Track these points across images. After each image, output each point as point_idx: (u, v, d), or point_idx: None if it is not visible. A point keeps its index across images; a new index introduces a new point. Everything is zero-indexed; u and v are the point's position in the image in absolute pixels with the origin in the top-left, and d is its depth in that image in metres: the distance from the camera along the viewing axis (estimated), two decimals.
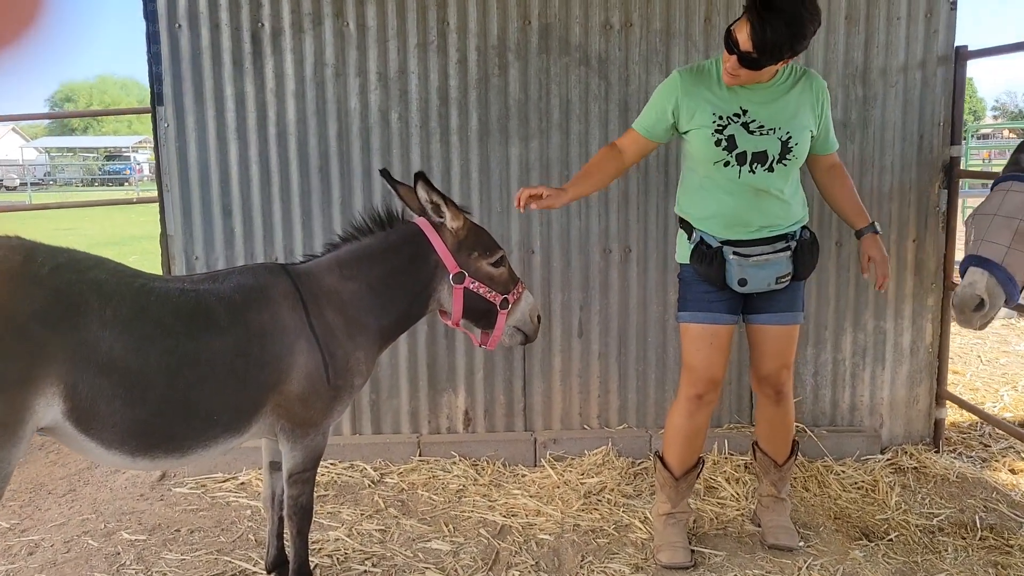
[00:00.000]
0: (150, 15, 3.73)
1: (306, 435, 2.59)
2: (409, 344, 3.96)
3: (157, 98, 3.80)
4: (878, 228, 3.07)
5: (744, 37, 2.63)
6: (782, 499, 3.27)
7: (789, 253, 2.90)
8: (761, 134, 2.81)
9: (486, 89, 3.86)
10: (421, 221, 2.74)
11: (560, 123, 3.89)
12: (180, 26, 3.74)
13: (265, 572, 2.91)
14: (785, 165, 2.83)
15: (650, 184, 3.94)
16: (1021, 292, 2.74)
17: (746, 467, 3.79)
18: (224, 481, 3.79)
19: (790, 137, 2.82)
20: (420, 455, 3.97)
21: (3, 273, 2.13)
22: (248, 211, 3.88)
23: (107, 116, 30.67)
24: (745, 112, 2.82)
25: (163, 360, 2.27)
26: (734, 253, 2.87)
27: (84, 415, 2.20)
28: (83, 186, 39.68)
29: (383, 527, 3.34)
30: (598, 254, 3.97)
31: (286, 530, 2.77)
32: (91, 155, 50.42)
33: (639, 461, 3.89)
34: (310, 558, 2.79)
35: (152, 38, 3.75)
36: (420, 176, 2.67)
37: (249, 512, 3.47)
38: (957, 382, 5.23)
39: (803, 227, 2.98)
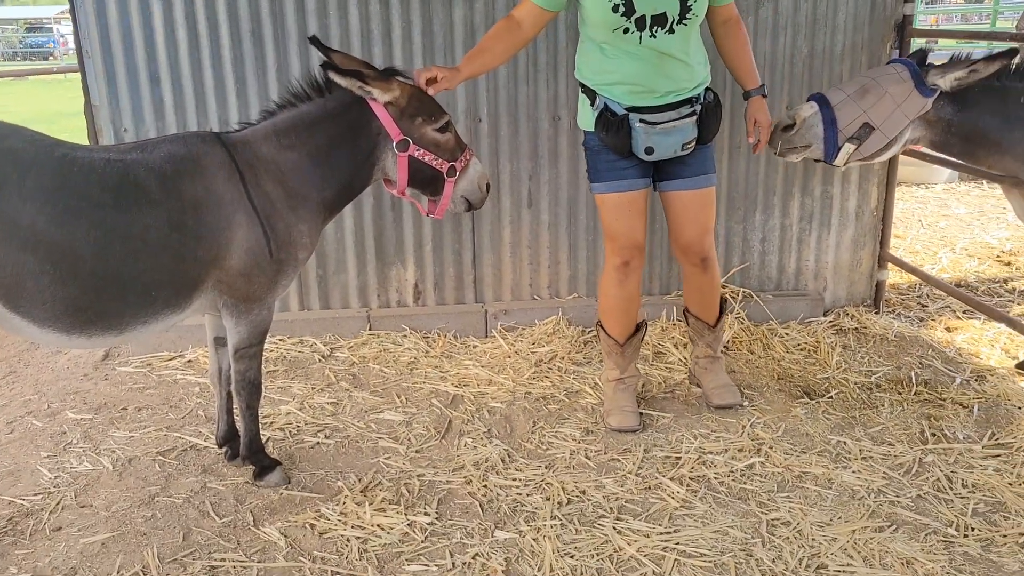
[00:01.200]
0: None
1: (250, 310, 2.54)
2: (355, 217, 3.86)
3: None
4: (765, 92, 3.04)
5: None
6: (718, 357, 3.35)
7: (695, 118, 2.86)
8: None
9: None
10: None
11: None
12: None
13: (216, 447, 2.91)
14: (686, 25, 2.75)
15: None
16: (839, 148, 2.96)
17: None
18: (171, 359, 3.74)
19: None
20: (370, 329, 3.94)
21: None
22: (177, 79, 3.66)
23: None
24: None
25: (91, 234, 2.20)
26: (640, 121, 2.81)
27: (11, 293, 2.15)
28: (3, 60, 37.48)
29: (335, 400, 3.35)
30: (547, 122, 3.86)
31: (235, 405, 2.76)
32: (10, 27, 47.37)
33: (589, 330, 3.92)
34: (261, 432, 2.79)
35: None
36: (324, 66, 2.53)
37: (198, 389, 3.44)
38: (898, 246, 5.34)
39: (706, 89, 2.93)
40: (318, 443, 3.03)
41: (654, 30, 2.72)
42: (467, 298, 4.04)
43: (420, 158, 2.63)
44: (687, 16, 2.73)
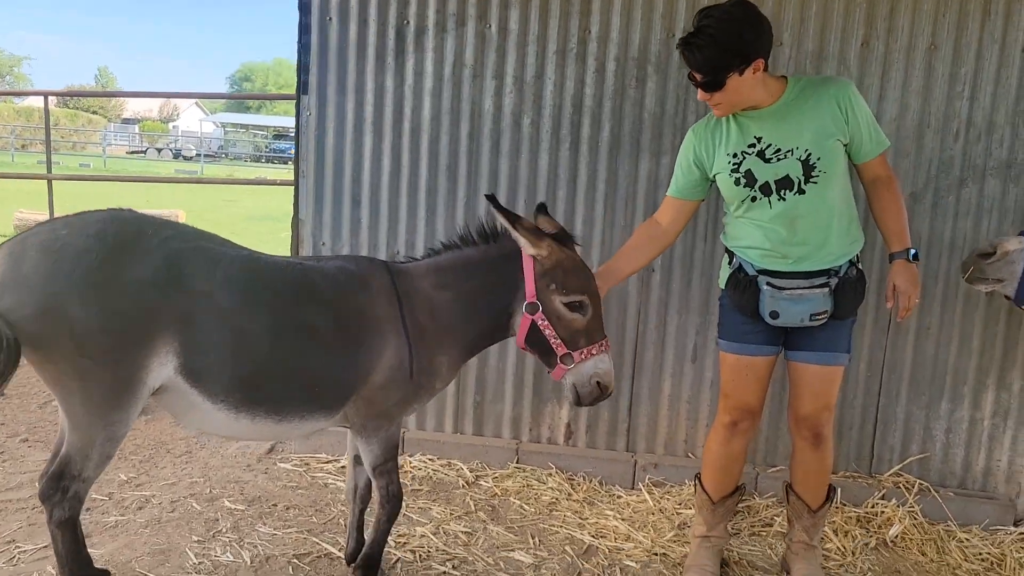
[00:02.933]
0: (304, 7, 3.88)
1: (380, 427, 2.62)
2: (517, 351, 3.94)
3: (302, 87, 3.94)
4: (913, 255, 2.80)
5: (690, 67, 2.68)
6: (813, 546, 3.08)
7: (828, 290, 2.75)
8: (779, 159, 2.71)
9: (621, 100, 3.78)
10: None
11: None
12: (330, 19, 3.87)
13: (344, 562, 2.97)
14: (816, 183, 2.69)
15: None
16: None
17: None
18: (327, 462, 3.90)
19: (810, 154, 2.69)
20: (517, 462, 3.95)
21: (118, 245, 2.27)
22: (376, 202, 3.97)
23: (278, 99, 32.26)
24: (759, 139, 2.74)
25: (269, 320, 2.41)
26: (768, 283, 2.78)
27: (194, 369, 2.33)
28: (251, 161, 42.12)
29: (470, 530, 3.34)
30: None
31: (367, 522, 2.82)
32: (261, 132, 53.38)
33: (743, 499, 3.71)
34: (394, 551, 2.83)
35: (303, 29, 3.89)
36: (489, 198, 2.65)
37: (344, 497, 3.55)
38: None
39: (851, 262, 2.80)
40: (445, 572, 3.01)
41: (782, 193, 2.71)
42: (618, 445, 3.96)
43: (542, 327, 2.64)
44: (813, 175, 2.69)
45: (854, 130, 2.74)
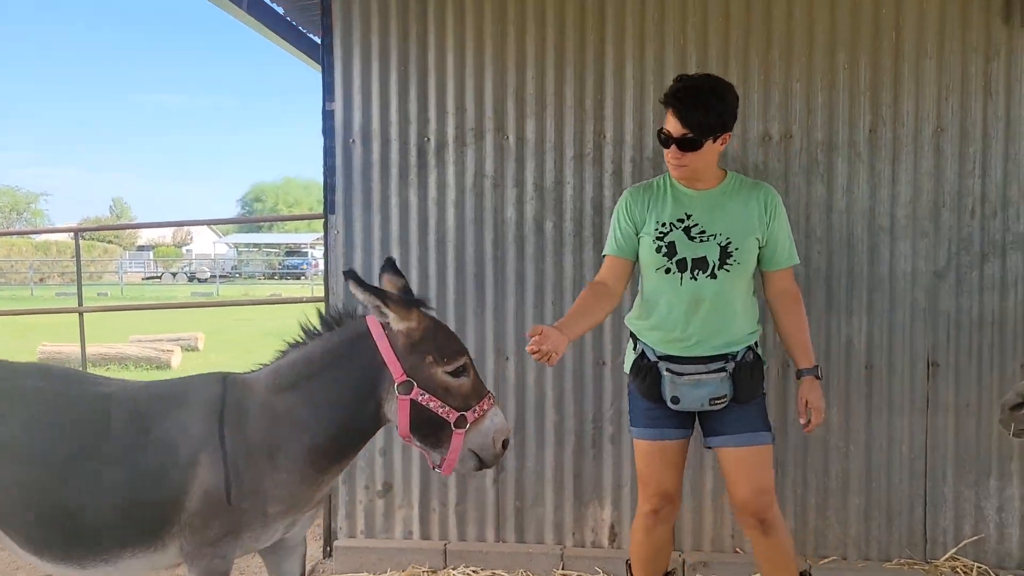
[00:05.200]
0: (327, 131, 4.03)
1: (202, 556, 2.36)
2: (555, 452, 3.92)
3: (330, 206, 4.07)
4: (820, 373, 2.91)
5: (673, 123, 2.72)
6: None
7: (725, 374, 2.79)
8: (702, 240, 2.80)
9: None
10: (370, 318, 2.41)
11: None
12: (354, 141, 4.02)
13: None
14: (728, 271, 2.78)
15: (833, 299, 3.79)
16: None
17: None
18: None
19: (730, 242, 2.78)
20: (563, 568, 3.86)
21: None
22: None
23: (288, 220, 32.95)
24: (689, 217, 2.83)
25: (49, 467, 2.33)
26: (667, 369, 2.82)
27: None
28: (264, 279, 42.71)
29: None
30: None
31: None
32: (274, 250, 54.32)
33: None
34: None
35: (328, 152, 4.04)
36: (348, 275, 2.38)
37: None
38: None
39: (748, 348, 2.84)
40: None
41: (695, 273, 2.79)
42: None
43: (424, 404, 2.34)
44: (727, 263, 2.77)
45: (772, 236, 2.85)
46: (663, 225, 2.84)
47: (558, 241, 3.93)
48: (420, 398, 2.34)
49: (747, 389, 2.81)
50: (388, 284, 2.52)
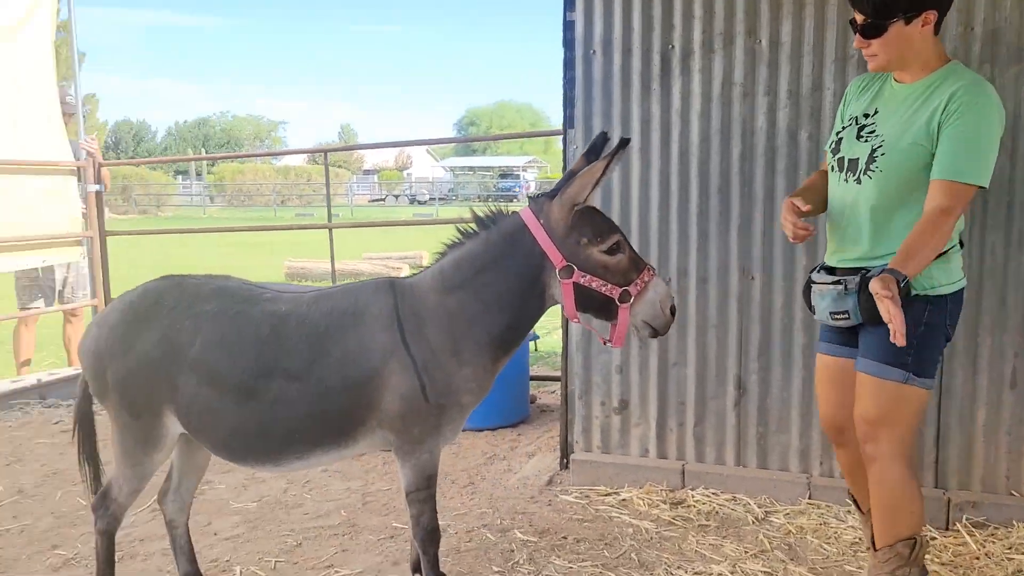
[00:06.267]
0: (568, 43, 3.94)
1: (410, 453, 2.55)
2: (804, 377, 3.71)
3: (569, 121, 4.00)
4: (900, 278, 2.29)
5: (853, 6, 2.49)
6: None
7: (842, 289, 2.55)
8: (865, 140, 2.56)
9: None
10: (524, 212, 2.52)
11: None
12: (594, 52, 3.90)
13: None
14: (870, 178, 2.51)
15: None
16: None
17: None
18: (606, 495, 3.86)
19: (881, 145, 2.50)
20: (810, 498, 3.70)
21: (136, 318, 2.63)
22: (645, 230, 3.92)
23: (501, 140, 33.73)
24: (874, 113, 2.60)
25: (241, 378, 2.51)
26: (810, 279, 2.72)
27: (192, 428, 2.62)
28: (479, 201, 44.03)
29: (769, 570, 3.15)
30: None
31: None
32: (488, 173, 55.70)
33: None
34: None
35: (568, 64, 3.95)
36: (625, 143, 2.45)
37: (631, 531, 3.48)
38: None
39: (887, 267, 2.36)
40: None
41: (847, 175, 2.60)
42: (926, 481, 3.58)
43: (586, 284, 2.45)
44: (871, 167, 2.51)
45: (941, 139, 2.42)
46: (847, 119, 2.68)
47: (813, 153, 3.63)
48: (582, 280, 2.44)
49: (873, 311, 2.35)
50: (580, 164, 2.55)
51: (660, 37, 3.80)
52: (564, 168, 4.05)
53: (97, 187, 6.48)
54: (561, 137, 4.12)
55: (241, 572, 3.20)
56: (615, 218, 3.92)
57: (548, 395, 5.76)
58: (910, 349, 2.43)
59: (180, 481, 2.94)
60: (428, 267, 2.65)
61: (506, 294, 2.50)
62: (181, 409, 2.58)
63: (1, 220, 5.81)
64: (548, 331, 7.34)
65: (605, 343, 2.58)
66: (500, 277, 2.50)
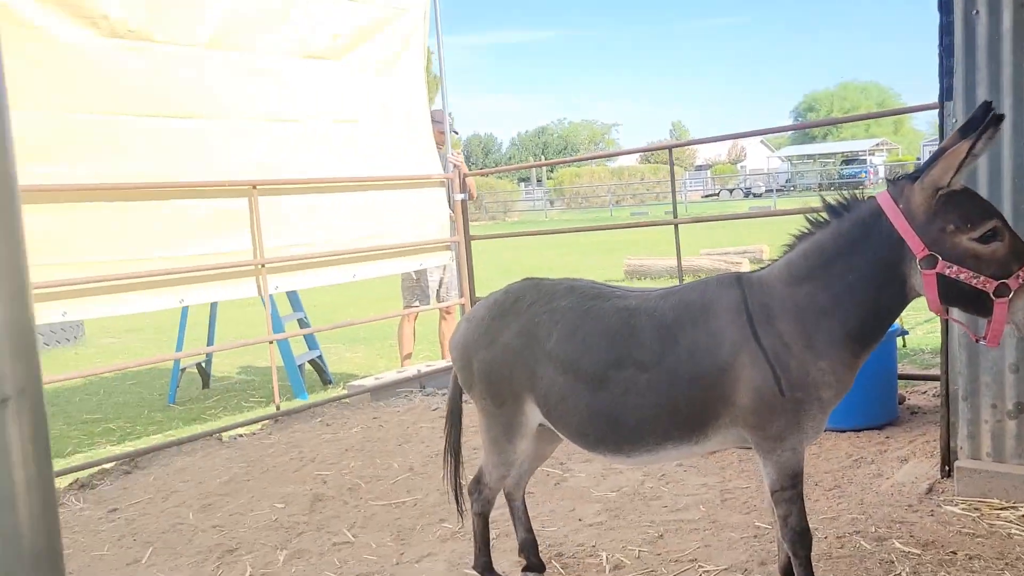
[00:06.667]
0: (944, 6, 3.55)
1: (771, 450, 2.46)
2: None
3: (946, 93, 3.61)
4: None
5: None
6: None
7: None
8: None
9: None
10: (881, 196, 2.32)
11: None
12: (977, 12, 3.47)
13: None
14: None
15: None
16: None
17: None
18: (1002, 509, 3.42)
19: None
20: None
21: (500, 313, 2.84)
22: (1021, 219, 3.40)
23: (844, 123, 31.75)
24: None
25: (595, 369, 2.58)
26: None
27: (551, 415, 2.73)
28: (820, 190, 41.59)
29: None
30: None
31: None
32: (830, 160, 52.45)
33: None
34: None
35: (945, 30, 3.57)
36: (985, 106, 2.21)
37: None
38: None
39: None
40: None
41: None
42: None
43: (952, 276, 2.21)
44: None
45: None
46: None
47: None
48: (947, 271, 2.23)
49: None
50: (951, 141, 2.29)
51: None
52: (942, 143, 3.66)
53: (462, 196, 7.12)
54: (918, 115, 3.72)
55: (607, 558, 3.31)
56: (1006, 207, 3.47)
57: (918, 396, 5.25)
58: None
59: (522, 463, 3.13)
60: (776, 260, 2.58)
61: (859, 285, 2.36)
62: (540, 398, 2.74)
63: (385, 230, 6.61)
64: (913, 326, 6.70)
65: (977, 341, 2.34)
66: (852, 267, 2.36)
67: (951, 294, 2.27)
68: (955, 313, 2.66)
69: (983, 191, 3.50)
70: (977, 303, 2.26)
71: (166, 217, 5.27)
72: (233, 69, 5.59)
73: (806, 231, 2.49)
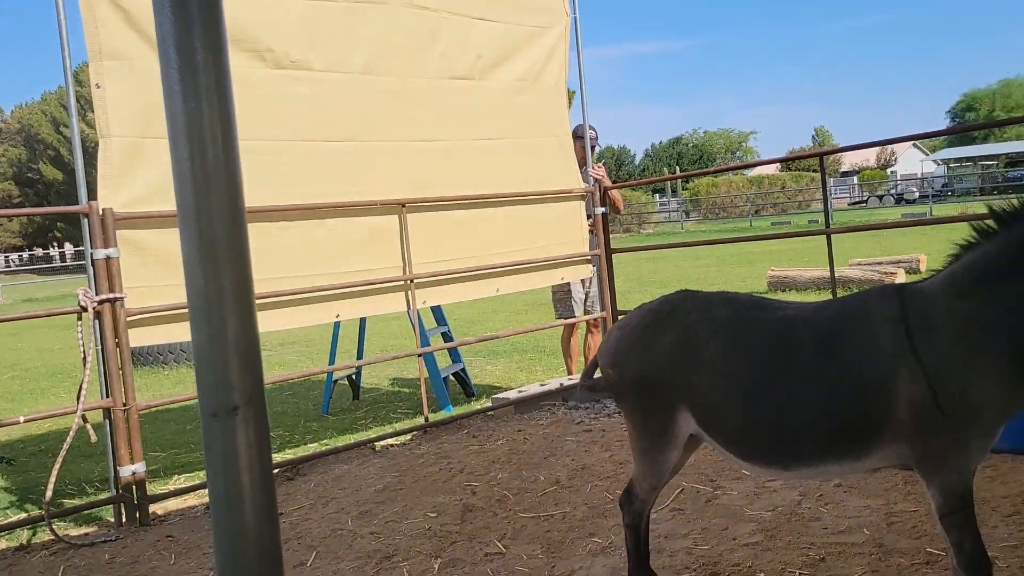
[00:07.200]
0: None
1: (932, 472, 2.37)
2: None
3: None
4: None
5: None
6: None
7: None
8: None
9: None
10: None
11: None
12: None
13: None
14: None
15: None
16: None
17: None
18: None
19: None
20: None
21: (655, 322, 2.84)
22: None
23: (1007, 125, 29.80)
24: None
25: (753, 379, 2.57)
26: None
27: (706, 424, 2.71)
28: (981, 195, 38.97)
29: None
30: None
31: None
32: (992, 163, 49.15)
33: None
34: None
35: None
36: None
37: None
38: None
39: None
40: None
41: None
42: None
43: None
44: None
45: None
46: None
47: None
48: None
49: None
50: None
51: None
52: None
53: (603, 209, 7.12)
54: None
55: None
56: None
57: None
58: None
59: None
60: (940, 271, 2.50)
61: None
62: (695, 406, 2.72)
63: (527, 244, 6.69)
64: None
65: None
66: (1017, 282, 2.27)
67: None
68: None
69: None
70: None
71: (322, 236, 5.54)
72: (384, 93, 5.83)
73: (972, 241, 2.40)
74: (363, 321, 7.76)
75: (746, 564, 3.37)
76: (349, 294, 5.67)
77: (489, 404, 6.78)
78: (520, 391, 6.84)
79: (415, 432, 6.14)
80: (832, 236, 6.03)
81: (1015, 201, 2.34)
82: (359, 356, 7.89)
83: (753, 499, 4.08)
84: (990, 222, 2.37)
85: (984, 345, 2.30)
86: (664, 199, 52.37)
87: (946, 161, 54.30)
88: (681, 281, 16.35)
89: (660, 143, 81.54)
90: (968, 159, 53.57)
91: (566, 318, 7.32)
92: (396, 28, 5.88)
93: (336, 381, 7.93)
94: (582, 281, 7.30)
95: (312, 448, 6.28)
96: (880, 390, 2.39)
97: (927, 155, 60.43)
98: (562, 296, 7.35)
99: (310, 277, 5.44)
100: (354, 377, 8.15)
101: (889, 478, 4.09)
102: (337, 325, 7.59)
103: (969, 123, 58.34)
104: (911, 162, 61.51)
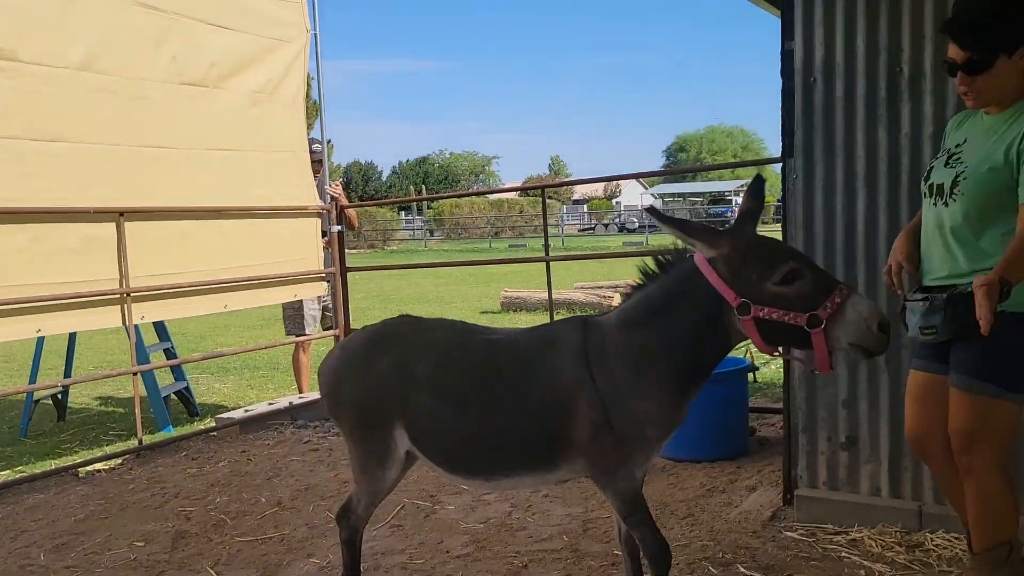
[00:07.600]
0: (787, 72, 3.90)
1: (607, 482, 2.68)
2: None
3: (787, 150, 3.95)
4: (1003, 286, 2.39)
5: (954, 48, 2.69)
6: None
7: (927, 304, 2.68)
8: (951, 167, 2.75)
9: None
10: (697, 255, 2.56)
11: None
12: (815, 80, 3.84)
13: None
14: (955, 200, 2.69)
15: None
16: None
17: None
18: (834, 534, 3.72)
19: (964, 171, 2.69)
20: None
21: (374, 344, 2.96)
22: (872, 260, 3.77)
23: (716, 169, 33.38)
24: (963, 143, 2.79)
25: (457, 398, 2.77)
26: (905, 296, 2.85)
27: (418, 441, 2.86)
28: None
29: None
30: None
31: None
32: (699, 200, 54.85)
33: None
34: None
35: (787, 94, 3.91)
36: (648, 210, 2.63)
37: (863, 572, 3.35)
38: None
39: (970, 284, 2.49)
40: None
41: (936, 200, 2.78)
42: None
43: (767, 317, 2.44)
44: (955, 191, 2.69)
45: (1020, 166, 2.57)
46: (941, 152, 2.88)
47: None
48: (761, 314, 2.44)
49: (960, 325, 2.58)
50: (744, 203, 2.66)
51: (886, 61, 3.67)
52: (783, 196, 4.00)
53: (338, 228, 7.13)
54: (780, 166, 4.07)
55: None
56: (839, 251, 3.82)
57: (768, 428, 5.62)
58: (1002, 364, 2.63)
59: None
60: (618, 306, 2.81)
61: (684, 334, 2.58)
62: (408, 423, 2.86)
63: (258, 260, 6.53)
64: (766, 361, 7.15)
65: (813, 371, 2.65)
66: (677, 318, 2.58)
67: (771, 334, 2.49)
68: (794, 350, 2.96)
69: (834, 240, 3.85)
70: (796, 337, 2.47)
71: (24, 243, 5.06)
72: (104, 92, 5.45)
73: (640, 282, 2.72)
74: (73, 335, 7.15)
75: (456, 575, 3.54)
76: (54, 307, 5.21)
77: (213, 424, 6.51)
78: (247, 410, 6.64)
79: (127, 456, 5.75)
80: (553, 263, 6.49)
81: (672, 249, 2.69)
82: (67, 374, 7.24)
83: (468, 512, 4.29)
84: (653, 266, 2.70)
85: (648, 372, 2.61)
86: (409, 217, 52.96)
87: (662, 195, 59.96)
88: (421, 299, 16.63)
89: (407, 161, 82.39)
90: (679, 195, 59.57)
91: (297, 335, 7.21)
92: (121, 25, 5.53)
93: (37, 401, 7.22)
94: (318, 297, 7.22)
95: (3, 476, 5.67)
96: (563, 411, 2.65)
97: (646, 188, 66.33)
98: (292, 313, 7.19)
99: (8, 288, 4.95)
100: (60, 397, 7.46)
101: (588, 487, 4.48)
102: (40, 340, 6.92)
103: (687, 165, 65.04)
104: (633, 194, 67.23)
